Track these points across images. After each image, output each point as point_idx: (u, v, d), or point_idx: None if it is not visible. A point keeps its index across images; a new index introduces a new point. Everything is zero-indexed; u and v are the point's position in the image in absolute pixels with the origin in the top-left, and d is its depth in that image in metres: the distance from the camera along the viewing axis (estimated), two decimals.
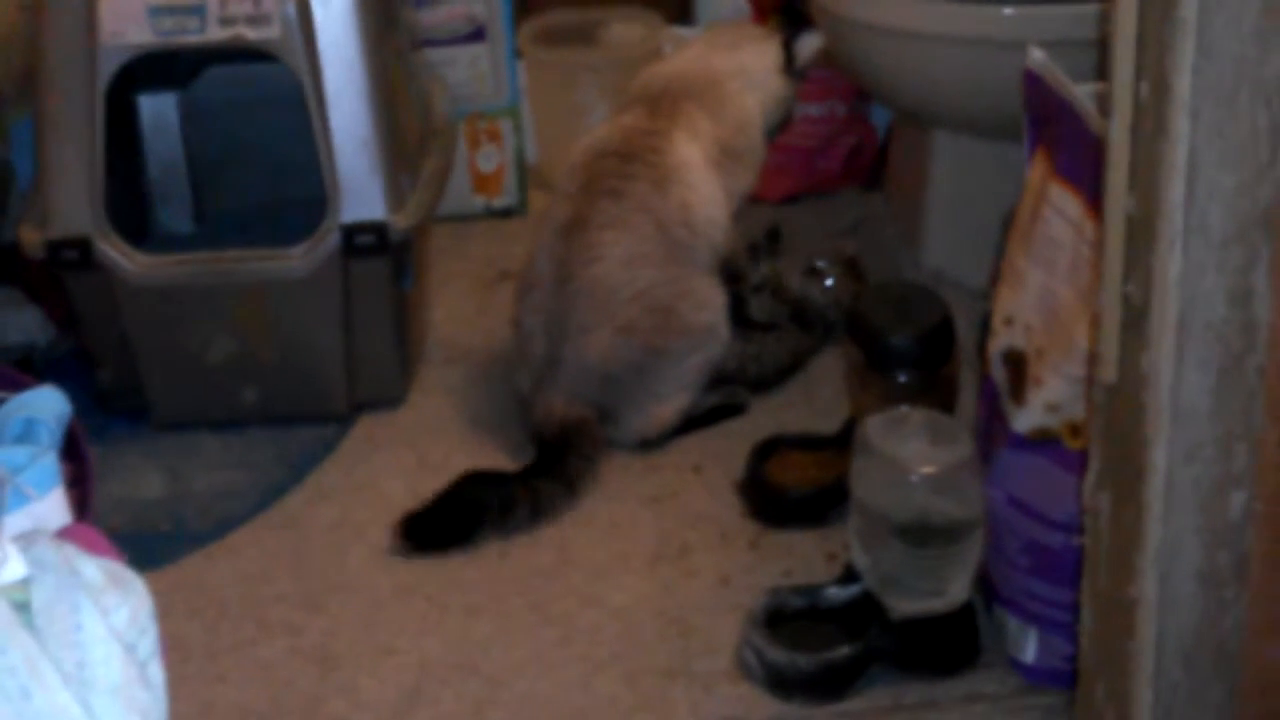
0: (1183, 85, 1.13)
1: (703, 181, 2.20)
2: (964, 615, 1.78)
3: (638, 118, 2.24)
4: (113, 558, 1.06)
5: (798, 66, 2.37)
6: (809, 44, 2.36)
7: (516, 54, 2.78)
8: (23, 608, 0.99)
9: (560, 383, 2.13)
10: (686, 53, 2.38)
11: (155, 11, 2.10)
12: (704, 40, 2.41)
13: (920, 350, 1.94)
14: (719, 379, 2.24)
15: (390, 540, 2.01)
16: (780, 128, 2.39)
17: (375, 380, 2.28)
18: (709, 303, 2.18)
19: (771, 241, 2.45)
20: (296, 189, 2.28)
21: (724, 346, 2.20)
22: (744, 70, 2.32)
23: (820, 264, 2.40)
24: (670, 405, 2.17)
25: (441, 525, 2.02)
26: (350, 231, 2.15)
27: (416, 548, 2.01)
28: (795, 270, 2.41)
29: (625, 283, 2.13)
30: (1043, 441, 1.70)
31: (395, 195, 2.18)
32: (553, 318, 2.15)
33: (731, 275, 2.27)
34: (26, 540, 1.02)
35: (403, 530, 2.01)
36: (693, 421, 2.22)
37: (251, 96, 2.44)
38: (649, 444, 2.18)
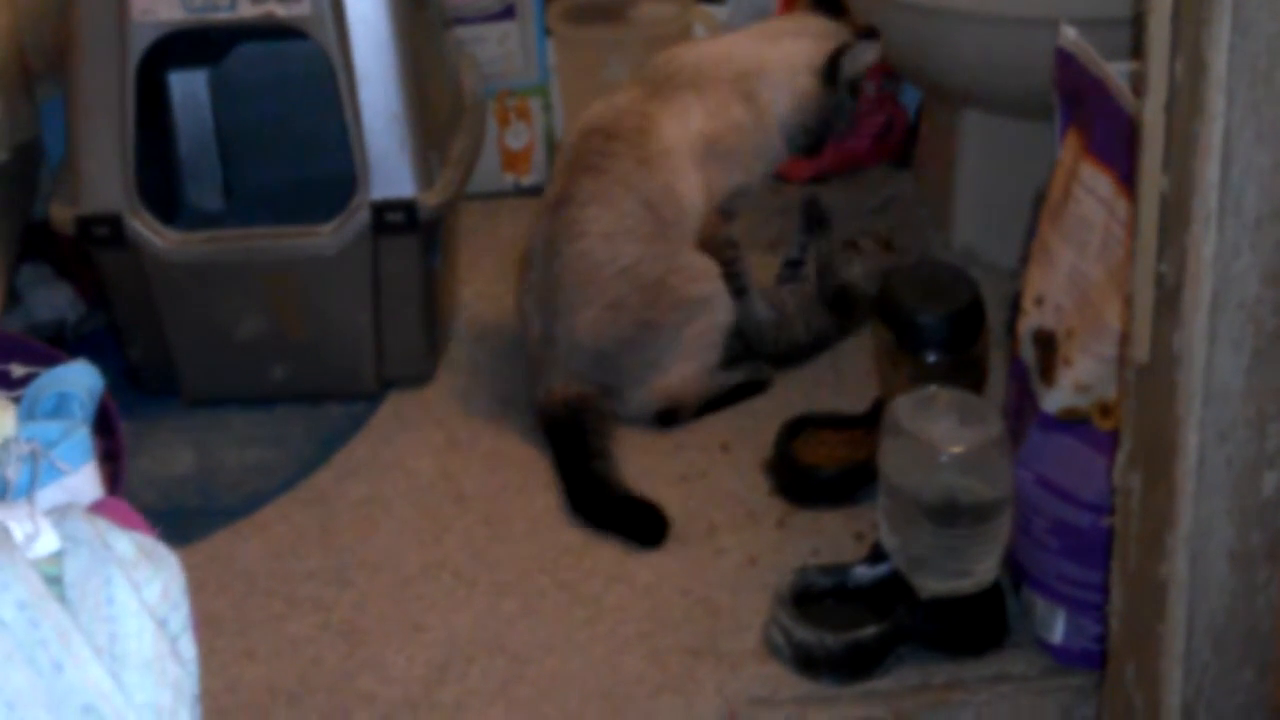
0: (1219, 63, 1.13)
1: (686, 170, 2.18)
2: (992, 595, 1.78)
3: (632, 98, 2.22)
4: (144, 532, 1.06)
5: (845, 77, 2.23)
6: (861, 55, 2.24)
7: (546, 32, 2.77)
8: (55, 581, 0.99)
9: (557, 363, 2.13)
10: (719, 40, 2.35)
11: None
12: (752, 29, 2.35)
13: (949, 330, 1.93)
14: (740, 355, 2.24)
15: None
16: (823, 131, 2.27)
17: (404, 357, 2.28)
18: (704, 274, 2.17)
19: (817, 221, 2.42)
20: (326, 166, 2.28)
21: (727, 314, 2.19)
22: (762, 68, 2.23)
23: (861, 240, 2.39)
24: (673, 375, 2.17)
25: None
26: (380, 209, 2.16)
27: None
28: (835, 246, 2.41)
29: (609, 259, 2.13)
30: (1073, 422, 1.70)
31: (425, 173, 2.18)
32: (544, 296, 2.16)
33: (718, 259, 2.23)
34: (59, 514, 1.02)
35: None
36: (716, 400, 2.21)
37: (282, 74, 2.44)
38: (668, 419, 2.18)
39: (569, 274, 2.14)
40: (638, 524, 2.00)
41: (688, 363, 2.17)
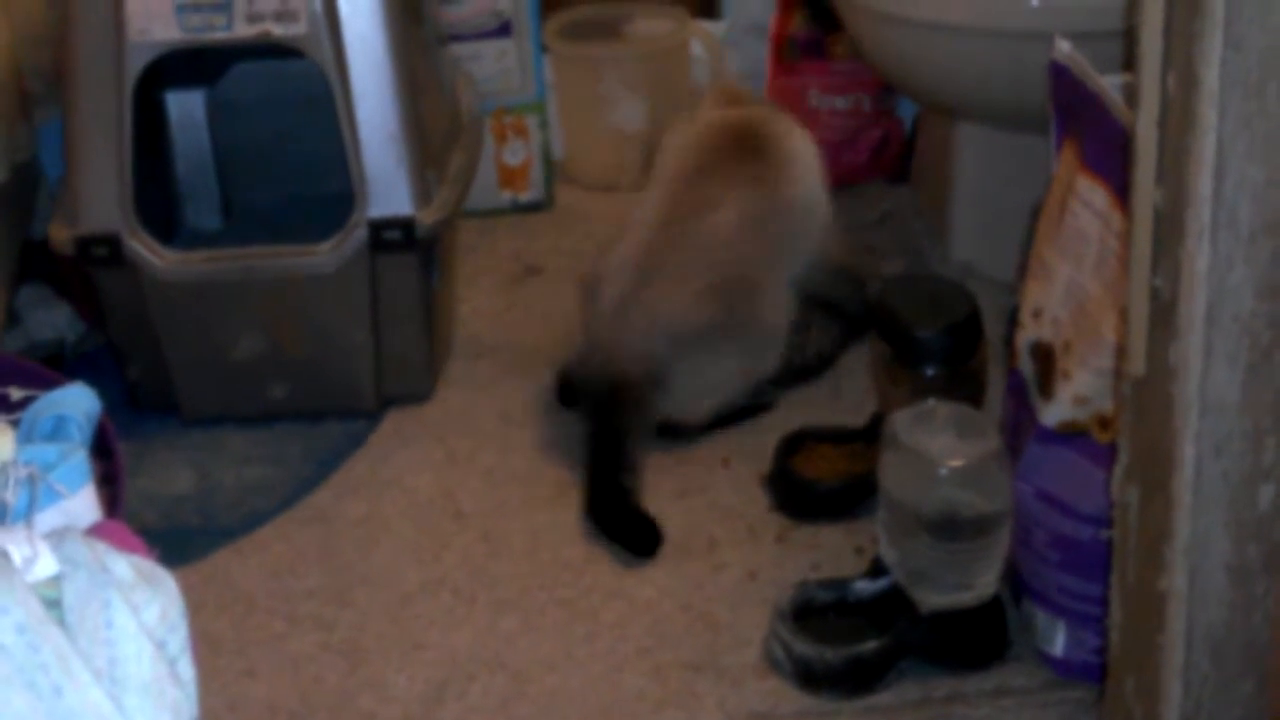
0: (1211, 77, 1.13)
1: (815, 184, 2.28)
2: (992, 609, 1.78)
3: (753, 110, 2.33)
4: (143, 555, 1.06)
5: None
6: None
7: (543, 49, 2.78)
8: (54, 605, 0.99)
9: (628, 327, 2.12)
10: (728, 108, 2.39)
11: (182, 9, 2.11)
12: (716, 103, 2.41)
13: (948, 344, 1.94)
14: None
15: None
16: None
17: (403, 375, 2.28)
18: (783, 310, 2.20)
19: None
20: (324, 185, 2.29)
21: (773, 366, 2.21)
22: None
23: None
24: (708, 403, 2.17)
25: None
26: (377, 227, 2.16)
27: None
28: None
29: (728, 242, 2.15)
30: (1071, 435, 1.70)
31: (422, 191, 2.18)
32: (647, 256, 2.15)
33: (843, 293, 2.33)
34: (58, 537, 1.02)
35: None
36: (721, 419, 2.22)
37: (279, 93, 2.44)
38: (675, 435, 2.18)
39: (688, 239, 2.15)
40: (634, 535, 2.00)
41: (721, 394, 2.18)
